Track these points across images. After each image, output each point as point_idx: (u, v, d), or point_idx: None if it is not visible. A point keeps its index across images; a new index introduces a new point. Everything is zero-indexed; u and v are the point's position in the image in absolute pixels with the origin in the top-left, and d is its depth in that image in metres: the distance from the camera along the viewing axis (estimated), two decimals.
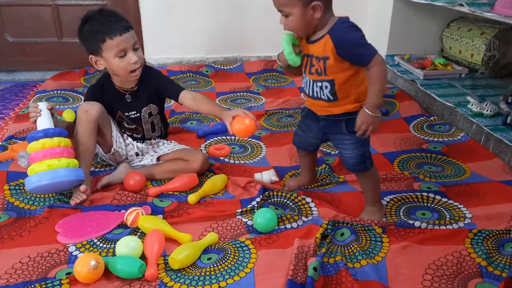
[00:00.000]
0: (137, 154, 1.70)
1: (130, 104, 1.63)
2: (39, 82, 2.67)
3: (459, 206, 1.46)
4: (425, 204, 1.48)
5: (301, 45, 1.28)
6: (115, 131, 1.63)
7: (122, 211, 1.40)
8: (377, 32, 2.79)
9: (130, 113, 1.64)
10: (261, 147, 1.92)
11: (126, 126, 1.67)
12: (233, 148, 1.89)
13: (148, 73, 1.62)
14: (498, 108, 1.94)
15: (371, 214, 1.38)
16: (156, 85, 1.63)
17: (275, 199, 1.49)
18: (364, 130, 1.22)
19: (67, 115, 2.08)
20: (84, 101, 1.62)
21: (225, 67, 2.87)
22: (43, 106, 1.44)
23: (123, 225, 1.35)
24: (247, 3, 2.86)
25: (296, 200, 1.47)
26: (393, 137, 1.98)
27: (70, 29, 2.81)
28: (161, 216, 1.39)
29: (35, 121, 1.44)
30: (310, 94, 1.31)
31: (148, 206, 1.43)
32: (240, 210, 1.42)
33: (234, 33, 2.95)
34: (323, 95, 1.27)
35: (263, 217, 1.31)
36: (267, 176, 1.62)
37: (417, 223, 1.33)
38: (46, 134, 1.38)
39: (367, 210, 1.40)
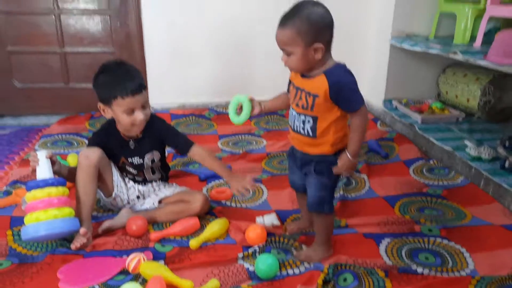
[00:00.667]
0: (138, 197, 1.71)
1: (133, 151, 1.66)
2: (45, 126, 2.73)
3: (461, 249, 1.47)
4: (427, 246, 1.48)
5: (254, 105, 1.41)
6: (116, 176, 1.66)
7: (124, 256, 1.40)
8: (375, 77, 2.88)
9: (133, 159, 1.67)
10: (263, 190, 1.93)
11: (129, 170, 1.70)
12: None
13: (153, 121, 1.66)
14: (496, 153, 1.97)
15: (314, 252, 1.42)
16: (162, 135, 1.68)
17: (277, 244, 1.49)
18: (342, 171, 1.32)
19: (72, 160, 2.11)
20: (87, 146, 1.65)
21: (227, 111, 2.93)
22: (41, 155, 1.46)
23: (125, 271, 1.35)
24: (249, 49, 2.96)
25: (296, 245, 1.47)
26: (393, 180, 2.00)
27: (77, 75, 2.90)
28: (162, 261, 1.39)
29: (34, 170, 1.46)
30: (292, 126, 1.35)
31: (150, 251, 1.43)
32: (242, 254, 1.42)
33: (236, 77, 3.03)
34: (304, 129, 1.31)
35: (265, 264, 1.31)
36: (269, 220, 1.63)
37: (419, 269, 1.33)
38: (44, 184, 1.40)
39: (313, 247, 1.44)
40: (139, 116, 1.54)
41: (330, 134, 1.29)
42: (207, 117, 2.86)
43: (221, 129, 2.71)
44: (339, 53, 2.56)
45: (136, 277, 1.32)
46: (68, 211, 1.41)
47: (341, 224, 1.63)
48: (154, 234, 1.53)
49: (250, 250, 1.43)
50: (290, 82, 1.38)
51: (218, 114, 2.89)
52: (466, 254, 1.44)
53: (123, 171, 1.71)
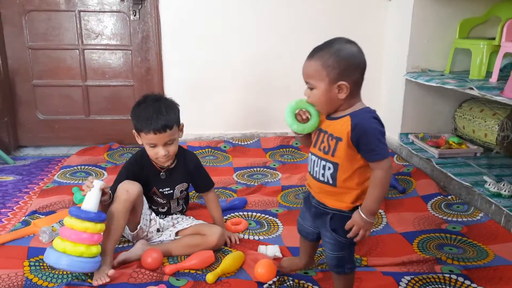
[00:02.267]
0: (158, 230, 1.72)
1: (164, 181, 1.71)
2: (65, 157, 2.79)
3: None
4: (448, 287, 1.44)
5: (318, 116, 1.24)
6: (145, 208, 1.67)
7: None
8: (391, 111, 2.88)
9: (164, 189, 1.71)
10: (278, 225, 1.92)
11: (158, 200, 1.74)
12: (250, 224, 1.90)
13: (186, 155, 1.75)
14: None
15: None
16: (192, 169, 1.74)
17: (292, 283, 1.45)
18: (355, 233, 1.16)
19: None
20: (119, 175, 1.67)
21: (243, 143, 2.96)
22: (96, 185, 1.44)
23: None
24: (265, 82, 3.01)
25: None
26: (411, 216, 1.97)
27: (98, 107, 2.99)
28: None
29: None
30: (311, 172, 1.25)
31: (164, 285, 1.42)
32: None
33: (252, 110, 3.07)
34: (324, 176, 1.20)
35: None
36: (271, 251, 1.63)
37: None
38: (85, 216, 1.38)
39: None
40: (160, 152, 1.60)
41: (353, 185, 1.17)
42: (223, 149, 2.88)
43: (236, 161, 2.73)
44: None
45: None
46: (95, 251, 1.40)
47: (362, 263, 1.59)
48: (169, 267, 1.53)
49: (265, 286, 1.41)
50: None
51: (234, 146, 2.91)
52: None
53: (150, 201, 1.73)
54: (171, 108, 1.63)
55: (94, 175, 2.47)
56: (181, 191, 1.76)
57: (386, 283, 1.45)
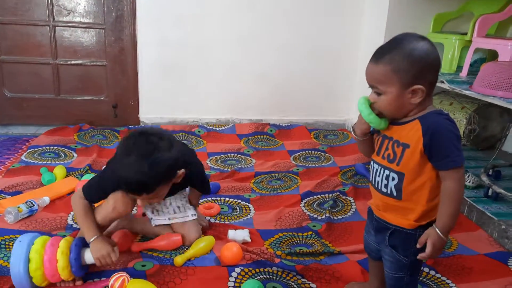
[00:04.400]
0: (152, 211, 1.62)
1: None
2: (33, 136, 2.71)
3: (447, 281, 1.47)
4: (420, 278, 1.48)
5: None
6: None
7: (103, 278, 1.37)
8: None
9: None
10: (250, 209, 1.93)
11: None
12: (222, 208, 1.91)
13: (193, 175, 1.55)
14: (480, 180, 2.01)
15: None
16: (191, 182, 1.60)
17: (273, 276, 1.43)
18: (431, 254, 1.01)
19: (58, 171, 2.09)
20: None
21: (217, 128, 2.95)
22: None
23: None
24: (241, 67, 3.00)
25: (293, 280, 1.42)
26: None
27: (68, 86, 2.90)
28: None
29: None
30: (373, 182, 1.12)
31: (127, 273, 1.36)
32: (233, 281, 1.39)
33: (228, 95, 3.06)
34: (387, 187, 1.07)
35: None
36: (241, 235, 1.63)
37: None
38: (72, 264, 1.29)
39: None
40: (138, 202, 1.43)
41: (422, 201, 1.04)
42: (197, 134, 2.86)
43: (210, 146, 2.72)
44: (329, 75, 2.61)
45: None
46: (37, 274, 1.27)
47: (335, 251, 1.61)
48: (137, 245, 1.54)
49: (241, 275, 1.41)
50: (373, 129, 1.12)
51: (208, 132, 2.90)
52: (452, 285, 1.45)
53: None
54: (156, 158, 1.27)
55: (63, 156, 2.41)
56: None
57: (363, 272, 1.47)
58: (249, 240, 1.64)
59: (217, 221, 1.79)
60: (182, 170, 1.39)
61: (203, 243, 1.55)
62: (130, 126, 2.90)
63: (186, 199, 1.66)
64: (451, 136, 0.98)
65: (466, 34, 2.42)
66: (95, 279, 1.38)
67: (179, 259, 1.46)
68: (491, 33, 2.49)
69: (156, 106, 3.00)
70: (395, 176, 1.05)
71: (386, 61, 1.01)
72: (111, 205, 1.43)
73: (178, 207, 1.63)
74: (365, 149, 1.17)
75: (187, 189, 1.70)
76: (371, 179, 1.14)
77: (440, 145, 0.98)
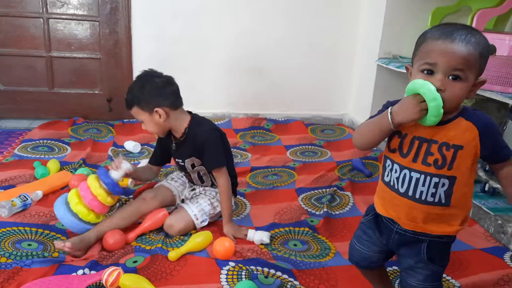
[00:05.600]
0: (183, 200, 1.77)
1: (176, 153, 1.74)
2: (26, 130, 2.67)
3: (446, 277, 1.46)
4: None
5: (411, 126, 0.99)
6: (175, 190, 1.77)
7: (92, 272, 1.35)
8: (361, 96, 2.91)
9: (177, 160, 1.75)
10: (246, 204, 1.92)
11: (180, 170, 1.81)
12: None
13: (199, 133, 1.65)
14: (477, 176, 2.01)
15: None
16: (199, 148, 1.65)
17: (263, 276, 1.38)
18: None
19: (52, 165, 2.07)
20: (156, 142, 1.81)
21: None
22: (123, 168, 1.55)
23: (99, 286, 1.30)
24: (238, 62, 2.97)
25: (286, 281, 1.36)
26: None
27: (62, 80, 2.87)
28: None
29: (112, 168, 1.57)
30: (410, 194, 0.99)
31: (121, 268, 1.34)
32: (225, 274, 1.38)
33: (223, 89, 3.04)
34: (434, 196, 0.97)
35: None
36: (259, 236, 1.59)
37: None
38: (105, 185, 1.51)
39: None
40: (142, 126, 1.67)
41: (468, 202, 1.01)
42: None
43: None
44: (326, 70, 2.54)
45: None
46: (91, 217, 1.51)
47: (331, 250, 1.59)
48: (130, 235, 1.56)
49: (234, 270, 1.39)
50: (394, 132, 1.00)
51: None
52: (453, 280, 1.45)
53: (177, 165, 1.80)
54: (142, 87, 1.60)
55: (56, 149, 2.38)
56: (193, 166, 1.71)
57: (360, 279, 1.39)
58: (268, 241, 1.60)
59: (220, 218, 1.76)
60: (162, 111, 1.59)
61: (200, 239, 1.53)
62: (125, 120, 2.87)
63: (211, 203, 1.71)
64: (498, 129, 0.98)
65: None
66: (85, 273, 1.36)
67: (173, 254, 1.44)
68: (489, 27, 2.47)
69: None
70: (446, 181, 0.96)
71: (476, 44, 0.91)
72: (146, 198, 1.69)
73: (197, 198, 1.71)
74: (374, 140, 1.01)
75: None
76: (402, 189, 1.00)
77: (498, 141, 0.96)
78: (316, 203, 1.94)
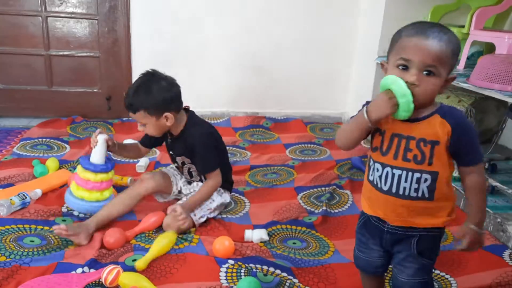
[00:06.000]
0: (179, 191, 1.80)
1: (170, 145, 1.77)
2: (25, 128, 2.67)
3: (441, 274, 1.47)
4: None
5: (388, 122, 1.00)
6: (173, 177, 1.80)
7: (92, 270, 1.35)
8: (360, 95, 2.91)
9: (170, 152, 1.78)
10: (245, 203, 1.92)
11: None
12: None
13: (192, 133, 1.66)
14: None
15: None
16: (191, 148, 1.67)
17: (262, 274, 1.37)
18: (471, 249, 1.01)
19: (51, 164, 2.06)
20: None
21: (212, 121, 2.92)
22: (101, 139, 1.62)
23: (98, 285, 1.30)
24: (237, 60, 2.97)
25: (285, 279, 1.36)
26: None
27: (61, 78, 2.86)
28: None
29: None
30: (394, 191, 1.01)
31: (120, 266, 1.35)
32: (225, 271, 1.38)
33: (223, 88, 3.03)
34: (417, 191, 0.99)
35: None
36: (258, 235, 1.60)
37: None
38: (96, 169, 1.62)
39: None
40: (138, 127, 1.65)
41: (451, 196, 1.02)
42: None
43: None
44: (325, 68, 2.50)
45: None
46: (108, 194, 1.68)
47: (330, 248, 1.60)
48: (129, 233, 1.57)
49: (234, 268, 1.39)
50: (375, 130, 1.03)
51: None
52: (451, 279, 1.45)
53: (170, 155, 1.82)
54: (149, 91, 1.56)
55: (55, 148, 2.38)
56: (183, 163, 1.75)
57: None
58: (267, 238, 1.60)
59: (219, 216, 1.77)
60: (170, 115, 1.59)
61: (164, 241, 1.48)
62: (124, 119, 2.86)
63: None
64: (474, 133, 0.99)
65: (463, 27, 2.40)
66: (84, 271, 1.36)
67: (141, 263, 1.37)
68: (489, 26, 2.47)
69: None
70: (428, 176, 0.98)
71: (448, 40, 0.94)
72: (142, 182, 1.72)
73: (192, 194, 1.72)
74: (354, 139, 1.03)
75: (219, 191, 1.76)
76: (385, 186, 1.01)
77: (469, 142, 0.97)
78: (315, 202, 1.93)
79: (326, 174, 2.24)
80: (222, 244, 1.47)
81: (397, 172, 1.00)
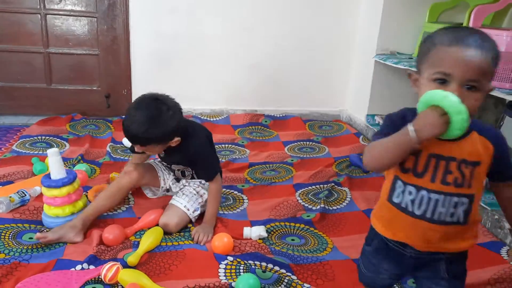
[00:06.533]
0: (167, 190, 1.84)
1: (163, 157, 1.75)
2: (24, 126, 2.67)
3: None
4: None
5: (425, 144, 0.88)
6: (160, 172, 1.81)
7: (91, 267, 1.36)
8: (359, 92, 2.92)
9: (165, 160, 1.78)
10: (243, 199, 1.92)
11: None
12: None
13: (191, 143, 1.63)
14: None
15: None
16: (192, 158, 1.67)
17: (261, 271, 1.37)
18: None
19: None
20: None
21: (212, 119, 2.93)
22: (50, 154, 1.57)
23: (92, 282, 1.31)
24: (236, 58, 2.97)
25: (284, 275, 1.37)
26: (374, 194, 2.02)
27: (60, 76, 2.86)
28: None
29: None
30: (428, 216, 0.91)
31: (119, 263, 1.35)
32: (223, 268, 1.39)
33: (222, 86, 3.03)
34: (453, 216, 0.91)
35: (246, 284, 1.26)
36: (256, 231, 1.60)
37: None
38: (60, 184, 1.56)
39: None
40: (136, 148, 1.62)
41: (479, 217, 0.96)
42: None
43: None
44: (324, 66, 2.48)
45: (112, 287, 1.29)
46: (81, 203, 1.64)
47: (329, 245, 1.61)
48: (129, 230, 1.58)
49: (233, 264, 1.40)
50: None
51: (202, 122, 2.87)
52: None
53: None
54: (157, 124, 1.48)
55: (55, 146, 2.38)
56: (181, 171, 1.78)
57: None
58: (266, 235, 1.61)
59: (219, 215, 1.77)
60: (178, 138, 1.57)
61: (151, 238, 1.50)
62: (123, 116, 2.86)
63: (196, 192, 1.73)
64: (507, 144, 0.94)
65: (461, 24, 2.40)
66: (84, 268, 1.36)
67: (132, 259, 1.38)
68: (487, 23, 2.48)
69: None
70: (465, 200, 0.90)
71: (489, 48, 0.84)
72: (126, 173, 1.71)
73: (182, 191, 1.72)
74: (393, 160, 0.91)
75: (205, 185, 1.74)
76: (416, 212, 0.91)
77: (507, 156, 0.93)
78: (313, 199, 1.94)
79: (325, 171, 2.24)
80: (221, 240, 1.48)
81: (434, 196, 0.90)
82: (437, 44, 0.87)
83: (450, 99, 0.81)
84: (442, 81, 0.85)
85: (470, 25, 2.27)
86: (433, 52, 0.87)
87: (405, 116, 0.92)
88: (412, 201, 0.92)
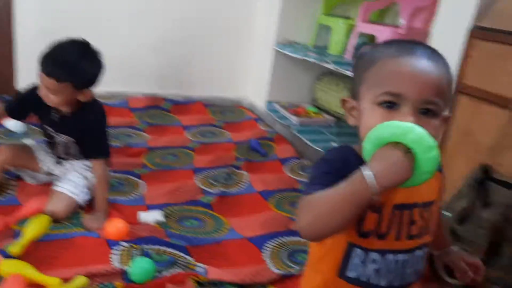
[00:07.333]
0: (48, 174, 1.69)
1: (55, 123, 1.59)
2: None
3: None
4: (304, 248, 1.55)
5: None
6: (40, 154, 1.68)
7: None
8: (260, 79, 3.00)
9: (51, 130, 1.61)
10: (140, 184, 1.88)
11: (47, 135, 1.66)
12: (113, 185, 1.82)
13: (88, 114, 1.55)
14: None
15: None
16: (84, 130, 1.55)
17: (155, 254, 1.37)
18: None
19: None
20: (8, 106, 1.61)
21: (108, 101, 2.78)
22: None
23: None
24: (136, 40, 2.86)
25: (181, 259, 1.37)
26: (271, 177, 2.11)
27: None
28: None
29: None
30: (397, 283, 0.74)
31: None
32: (116, 253, 1.35)
33: (119, 67, 2.89)
34: (418, 273, 0.77)
35: (140, 269, 1.26)
36: (153, 216, 1.58)
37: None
38: None
39: None
40: (41, 91, 1.46)
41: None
42: None
43: None
44: (226, 51, 2.48)
45: None
46: None
47: (226, 226, 1.64)
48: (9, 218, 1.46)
49: (126, 249, 1.37)
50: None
51: None
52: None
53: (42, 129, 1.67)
54: (89, 59, 1.47)
55: None
56: (65, 147, 1.63)
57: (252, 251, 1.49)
58: (163, 220, 1.58)
59: (111, 199, 1.70)
60: (89, 93, 1.51)
61: (36, 226, 1.40)
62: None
63: (84, 176, 1.62)
64: None
65: (352, 18, 2.59)
66: None
67: (16, 249, 1.29)
68: (375, 19, 2.69)
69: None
70: (426, 250, 0.76)
71: (443, 64, 0.69)
72: None
73: (66, 176, 1.61)
74: (343, 223, 0.65)
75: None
76: (381, 282, 0.73)
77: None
78: (213, 182, 1.97)
79: (225, 156, 2.28)
80: (114, 226, 1.44)
81: (401, 257, 0.73)
82: (379, 58, 0.70)
83: (415, 131, 0.60)
84: (391, 105, 0.67)
85: (359, 19, 2.46)
86: (375, 69, 0.70)
87: (347, 158, 0.73)
88: (377, 271, 0.73)
